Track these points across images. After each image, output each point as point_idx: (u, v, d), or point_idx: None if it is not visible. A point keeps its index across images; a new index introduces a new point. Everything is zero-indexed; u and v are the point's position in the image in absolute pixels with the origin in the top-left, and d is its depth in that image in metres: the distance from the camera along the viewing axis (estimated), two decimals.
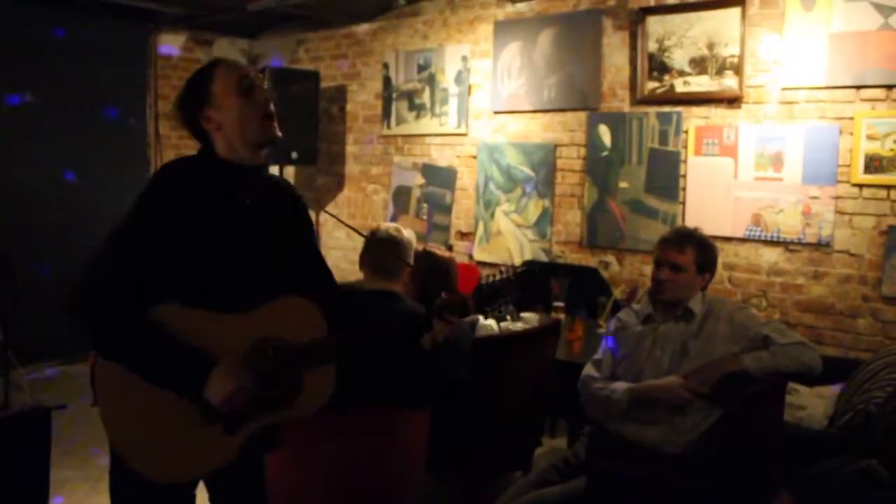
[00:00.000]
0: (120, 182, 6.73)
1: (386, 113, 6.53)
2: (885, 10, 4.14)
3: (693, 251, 2.94)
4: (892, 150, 4.16)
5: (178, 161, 2.18)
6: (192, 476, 2.05)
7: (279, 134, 2.17)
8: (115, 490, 2.10)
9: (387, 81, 6.50)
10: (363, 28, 6.72)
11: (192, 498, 2.15)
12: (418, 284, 3.27)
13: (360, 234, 2.73)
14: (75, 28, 6.35)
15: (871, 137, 4.22)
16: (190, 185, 2.04)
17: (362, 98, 6.78)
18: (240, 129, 2.09)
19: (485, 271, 5.56)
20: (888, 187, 4.21)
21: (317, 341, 2.05)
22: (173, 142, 7.15)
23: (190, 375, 1.91)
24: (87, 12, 6.30)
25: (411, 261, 3.19)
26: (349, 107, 6.88)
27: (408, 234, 3.23)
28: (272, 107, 2.14)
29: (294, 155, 6.27)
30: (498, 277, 2.18)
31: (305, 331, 2.05)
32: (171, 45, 7.14)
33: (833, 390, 3.81)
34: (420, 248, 3.38)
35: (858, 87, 4.27)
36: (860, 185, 4.29)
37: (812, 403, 3.79)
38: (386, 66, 6.51)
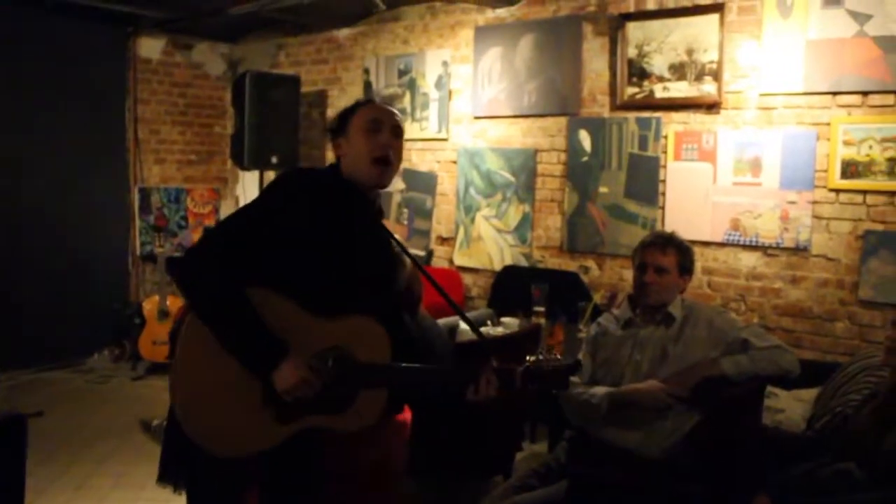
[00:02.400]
0: (98, 185, 6.71)
1: None
2: (860, 18, 4.19)
3: (675, 253, 2.97)
4: (867, 155, 4.21)
5: (308, 169, 2.40)
6: (233, 449, 2.13)
7: (386, 182, 2.32)
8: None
9: (367, 86, 6.50)
10: (344, 33, 6.72)
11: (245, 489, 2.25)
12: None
13: None
14: (54, 31, 6.32)
15: (847, 143, 4.26)
16: (314, 190, 2.22)
17: (343, 103, 6.71)
18: (353, 163, 2.29)
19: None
20: (864, 192, 4.25)
21: (377, 364, 2.20)
22: (152, 146, 7.13)
23: (266, 354, 2.07)
24: (66, 15, 6.26)
25: None
26: (330, 111, 6.87)
27: None
28: (391, 153, 2.30)
29: (274, 159, 6.25)
30: (548, 359, 2.22)
31: (371, 352, 2.20)
32: (150, 49, 7.10)
33: (811, 393, 3.84)
34: None
35: (835, 94, 4.31)
36: (837, 191, 4.33)
37: (790, 406, 3.82)
38: (366, 70, 6.51)
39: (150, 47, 7.11)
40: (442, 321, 3.74)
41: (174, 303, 6.18)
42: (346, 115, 2.35)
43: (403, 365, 2.25)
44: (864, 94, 4.23)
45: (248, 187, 7.31)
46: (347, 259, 2.22)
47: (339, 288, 2.20)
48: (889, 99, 4.17)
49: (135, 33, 6.95)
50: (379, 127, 2.29)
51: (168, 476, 2.28)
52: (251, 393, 2.10)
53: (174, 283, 2.17)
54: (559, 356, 2.22)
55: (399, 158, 2.34)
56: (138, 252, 6.83)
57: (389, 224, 6.18)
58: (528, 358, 2.21)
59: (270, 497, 2.31)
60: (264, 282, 2.11)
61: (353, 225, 2.26)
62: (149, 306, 6.26)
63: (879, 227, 4.21)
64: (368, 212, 2.33)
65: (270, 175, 6.89)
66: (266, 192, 2.23)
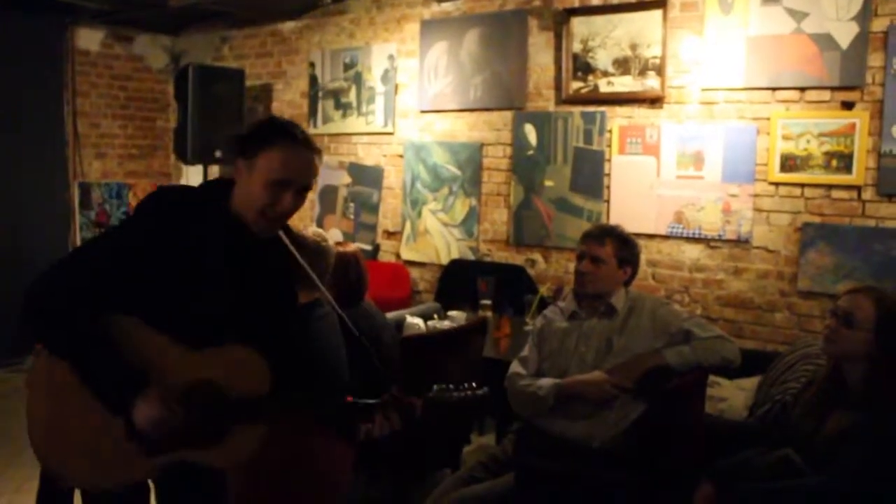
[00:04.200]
0: (36, 181, 6.54)
1: (312, 112, 6.47)
2: (797, 16, 4.28)
3: (613, 244, 2.99)
4: (805, 149, 4.30)
5: (179, 190, 2.17)
6: (103, 485, 2.02)
7: (271, 235, 2.10)
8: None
9: (313, 80, 6.44)
10: (289, 26, 6.65)
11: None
12: (337, 285, 3.25)
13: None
14: None
15: (786, 137, 4.35)
16: (187, 215, 2.02)
17: (288, 97, 6.71)
18: (245, 201, 2.03)
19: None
20: (802, 185, 4.34)
21: (252, 399, 2.03)
22: (93, 140, 6.97)
23: (121, 388, 1.90)
24: (0, 4, 6.08)
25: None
26: (275, 105, 6.79)
27: (331, 237, 3.20)
28: (288, 213, 2.04)
29: (218, 154, 6.15)
30: (455, 389, 2.11)
31: (248, 383, 2.04)
32: (89, 40, 6.94)
33: (752, 382, 3.92)
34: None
35: (774, 89, 4.40)
36: (776, 184, 4.42)
37: (733, 395, 3.89)
38: (312, 64, 6.45)
39: (89, 39, 6.95)
40: (389, 315, 3.73)
41: None
42: (259, 142, 2.00)
43: (284, 400, 2.09)
44: (802, 89, 4.32)
45: (192, 182, 7.19)
46: (202, 286, 2.02)
47: (210, 319, 2.03)
48: (825, 95, 4.26)
49: (73, 24, 6.78)
50: (287, 186, 1.99)
51: None
52: (115, 426, 1.94)
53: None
54: (475, 385, 2.12)
55: (297, 209, 2.07)
56: None
57: (334, 218, 6.14)
58: (434, 387, 2.10)
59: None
60: (129, 311, 1.96)
61: (216, 252, 2.04)
62: None
63: (817, 220, 4.31)
64: (244, 244, 2.07)
65: (215, 170, 6.81)
66: (131, 215, 2.03)
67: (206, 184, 2.16)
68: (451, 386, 2.10)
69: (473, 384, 2.12)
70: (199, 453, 2.03)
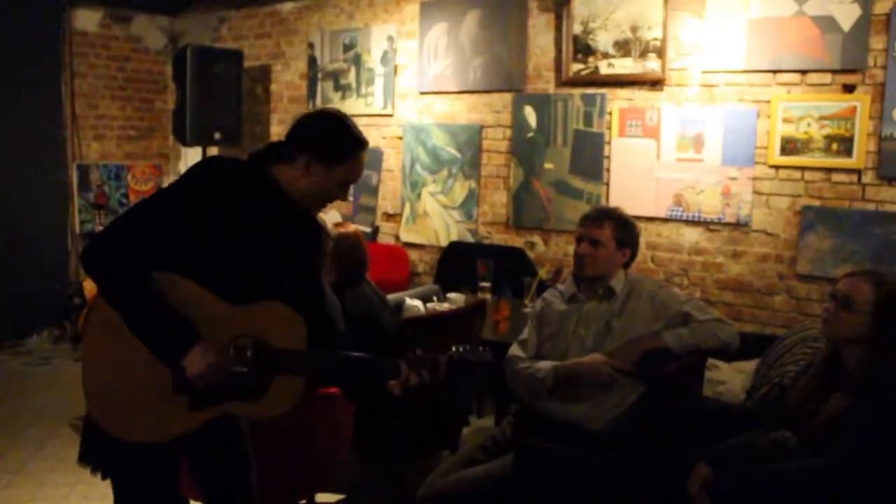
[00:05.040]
0: (35, 163, 6.53)
1: (311, 93, 6.45)
2: None
3: (612, 226, 2.98)
4: (805, 132, 4.29)
5: (230, 160, 2.30)
6: (148, 437, 2.11)
7: (317, 211, 2.36)
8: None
9: (312, 61, 6.42)
10: (287, 6, 6.61)
11: (172, 469, 2.23)
12: (340, 268, 3.26)
13: None
14: None
15: (786, 120, 4.34)
16: (232, 182, 2.15)
17: (287, 78, 6.68)
18: (309, 190, 2.21)
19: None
20: (802, 169, 4.34)
21: (293, 351, 2.14)
22: (91, 122, 6.95)
23: (175, 340, 2.02)
24: None
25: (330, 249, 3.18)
26: (273, 87, 6.77)
27: (330, 219, 3.21)
28: (340, 196, 2.29)
29: (217, 136, 6.15)
30: (471, 351, 2.17)
31: (286, 338, 2.13)
32: (87, 21, 6.91)
33: (750, 365, 3.93)
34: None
35: (775, 72, 4.38)
36: (776, 167, 4.41)
37: (731, 378, 3.90)
38: (311, 45, 6.42)
39: (87, 19, 6.92)
40: (388, 297, 3.73)
41: (90, 289, 6.02)
42: (344, 155, 2.20)
43: (322, 352, 2.21)
44: (803, 72, 4.31)
45: (190, 163, 7.16)
46: (248, 249, 2.15)
47: (252, 277, 2.15)
48: (826, 77, 4.25)
49: (70, 5, 6.74)
50: (352, 184, 2.30)
51: (88, 458, 2.24)
52: (162, 380, 2.07)
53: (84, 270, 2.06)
54: (481, 348, 2.18)
55: None
56: (78, 231, 6.67)
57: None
58: (452, 348, 2.17)
59: (201, 464, 2.34)
60: (177, 268, 2.07)
61: (262, 220, 2.18)
62: (89, 286, 6.11)
63: (816, 203, 4.31)
64: (285, 215, 2.24)
65: (214, 151, 6.80)
66: (182, 178, 2.15)
67: (253, 157, 2.27)
68: (467, 348, 2.18)
69: (482, 348, 2.19)
70: (243, 406, 2.15)
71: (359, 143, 2.23)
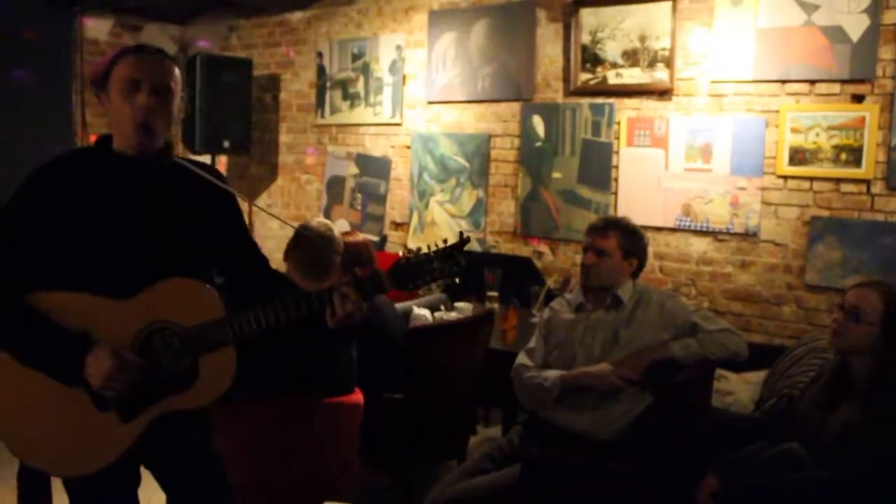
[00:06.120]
0: None
1: (320, 102, 6.47)
2: (808, 7, 4.25)
3: (617, 236, 2.98)
4: (814, 142, 4.28)
5: (56, 159, 2.11)
6: (89, 468, 1.95)
7: (149, 150, 2.04)
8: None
9: (321, 70, 6.44)
10: (297, 16, 6.64)
11: (132, 479, 2.10)
12: (348, 274, 3.26)
13: (290, 225, 2.65)
14: None
15: (795, 130, 4.33)
16: (72, 174, 2.02)
17: (296, 87, 6.70)
18: (115, 126, 2.04)
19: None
20: (811, 179, 4.33)
21: (207, 322, 1.96)
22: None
23: (67, 357, 1.88)
24: None
25: (339, 258, 3.18)
26: (282, 95, 6.79)
27: (338, 227, 3.22)
28: (153, 119, 2.00)
29: (226, 144, 6.17)
30: (422, 251, 2.09)
31: (200, 312, 1.97)
32: (97, 29, 6.94)
33: (759, 376, 3.91)
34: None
35: (783, 82, 4.38)
36: (785, 177, 4.40)
37: (739, 389, 3.89)
38: (320, 54, 6.44)
39: (97, 28, 6.95)
40: (396, 306, 3.73)
41: None
42: (108, 67, 2.01)
43: (239, 313, 1.97)
44: (812, 82, 4.30)
45: None
46: (127, 230, 1.98)
47: (132, 262, 1.97)
48: (835, 87, 4.24)
49: (80, 13, 6.78)
50: (137, 87, 1.97)
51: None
52: (81, 404, 1.91)
53: None
54: (446, 241, 2.10)
55: (167, 119, 2.03)
56: None
57: (342, 209, 6.14)
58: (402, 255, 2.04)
59: (168, 478, 2.18)
60: (53, 284, 1.93)
61: (114, 195, 2.00)
62: None
63: (825, 214, 4.30)
64: (145, 175, 2.03)
65: (223, 159, 6.82)
66: (8, 202, 2.00)
67: (91, 144, 2.13)
68: (419, 248, 2.08)
69: (445, 240, 2.10)
70: (178, 399, 1.98)
71: (119, 52, 2.04)
